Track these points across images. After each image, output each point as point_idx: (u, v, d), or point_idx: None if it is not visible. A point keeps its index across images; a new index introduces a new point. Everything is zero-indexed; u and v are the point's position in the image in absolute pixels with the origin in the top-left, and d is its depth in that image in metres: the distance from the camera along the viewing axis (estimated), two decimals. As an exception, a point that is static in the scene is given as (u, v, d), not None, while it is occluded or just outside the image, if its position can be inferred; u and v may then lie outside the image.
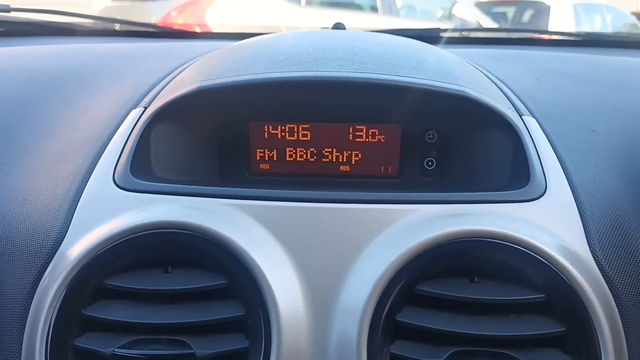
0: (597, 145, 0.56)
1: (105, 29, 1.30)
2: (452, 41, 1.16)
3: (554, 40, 1.25)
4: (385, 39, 0.66)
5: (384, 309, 0.42)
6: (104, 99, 0.66)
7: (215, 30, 1.40)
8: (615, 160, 0.53)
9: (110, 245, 0.44)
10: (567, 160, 0.53)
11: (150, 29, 1.38)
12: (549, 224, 0.46)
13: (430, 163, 0.60)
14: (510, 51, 0.98)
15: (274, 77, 0.54)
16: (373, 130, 0.59)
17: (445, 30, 1.17)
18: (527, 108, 0.62)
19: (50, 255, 0.46)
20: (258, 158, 0.61)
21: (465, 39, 1.25)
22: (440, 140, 0.60)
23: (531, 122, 0.58)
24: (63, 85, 0.71)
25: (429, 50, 0.66)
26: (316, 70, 0.55)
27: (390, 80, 0.53)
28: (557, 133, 0.57)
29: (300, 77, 0.54)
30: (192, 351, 0.41)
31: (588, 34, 1.61)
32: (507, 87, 0.68)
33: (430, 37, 1.05)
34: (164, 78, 0.69)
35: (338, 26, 0.96)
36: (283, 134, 0.59)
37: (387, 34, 0.70)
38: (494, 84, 0.67)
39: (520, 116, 0.59)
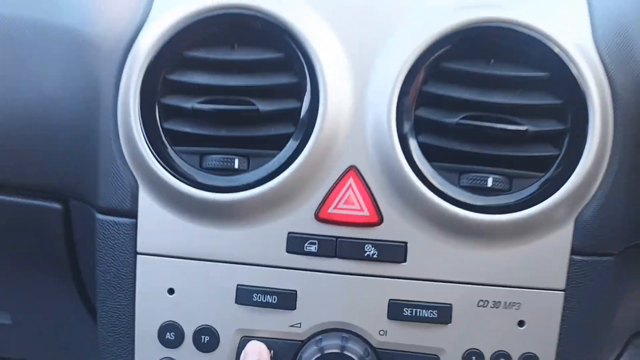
0: None
1: None
2: None
3: None
4: None
5: (413, 79, 0.50)
6: None
7: None
8: None
9: (190, 21, 0.51)
10: None
11: None
12: (559, 17, 0.52)
13: None
14: None
15: None
16: None
17: None
18: None
19: (138, 30, 0.54)
20: None
21: None
22: None
23: None
24: None
25: None
26: None
27: None
28: None
29: None
30: (256, 107, 0.50)
31: None
32: None
33: None
34: None
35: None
36: None
37: None
38: None
39: None
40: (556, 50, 0.48)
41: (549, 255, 0.50)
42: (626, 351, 0.64)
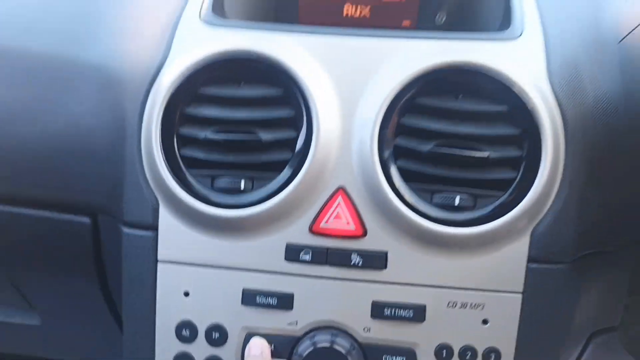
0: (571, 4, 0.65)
1: None
2: None
3: None
4: None
5: (392, 113, 0.57)
6: None
7: None
8: (584, 18, 0.63)
9: (204, 63, 0.59)
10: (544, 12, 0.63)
11: None
12: (518, 58, 0.59)
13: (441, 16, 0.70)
14: None
15: None
16: None
17: None
18: None
19: (158, 69, 0.62)
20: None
21: None
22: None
23: None
24: None
25: None
26: None
27: None
28: None
29: None
30: (259, 136, 0.58)
31: None
32: None
33: None
34: None
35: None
36: None
37: None
38: None
39: None
40: (515, 88, 0.56)
41: (509, 262, 0.57)
42: (587, 349, 0.72)
